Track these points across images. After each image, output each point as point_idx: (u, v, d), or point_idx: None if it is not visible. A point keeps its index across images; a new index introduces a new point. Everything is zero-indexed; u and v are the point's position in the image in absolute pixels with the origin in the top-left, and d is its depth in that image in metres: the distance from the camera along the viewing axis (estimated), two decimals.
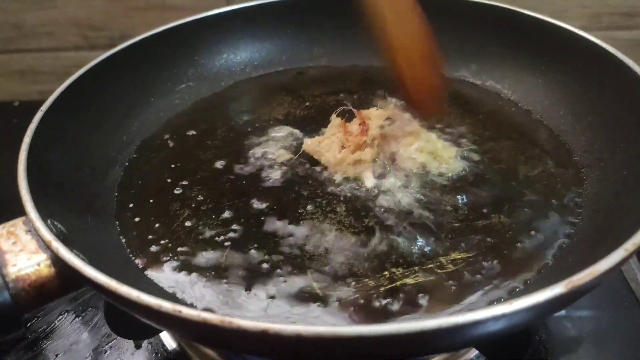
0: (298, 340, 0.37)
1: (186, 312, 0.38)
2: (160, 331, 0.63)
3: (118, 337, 0.65)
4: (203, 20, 0.83)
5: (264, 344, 0.39)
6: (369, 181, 0.62)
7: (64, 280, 0.47)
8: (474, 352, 0.60)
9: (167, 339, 0.64)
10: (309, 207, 0.61)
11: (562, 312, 0.65)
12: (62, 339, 0.66)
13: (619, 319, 0.66)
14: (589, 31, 0.70)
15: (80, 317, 0.68)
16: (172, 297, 0.52)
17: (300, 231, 0.58)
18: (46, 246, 0.46)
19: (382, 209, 0.60)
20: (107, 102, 0.71)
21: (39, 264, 0.47)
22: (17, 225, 0.49)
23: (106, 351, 0.64)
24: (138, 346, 0.64)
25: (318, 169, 0.66)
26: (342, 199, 0.61)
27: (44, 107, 0.61)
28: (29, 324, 0.67)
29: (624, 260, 0.41)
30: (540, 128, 0.71)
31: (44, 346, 0.65)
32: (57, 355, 0.64)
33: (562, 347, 0.63)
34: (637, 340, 0.63)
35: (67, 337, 0.66)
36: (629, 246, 0.42)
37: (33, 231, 0.48)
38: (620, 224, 0.51)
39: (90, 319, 0.68)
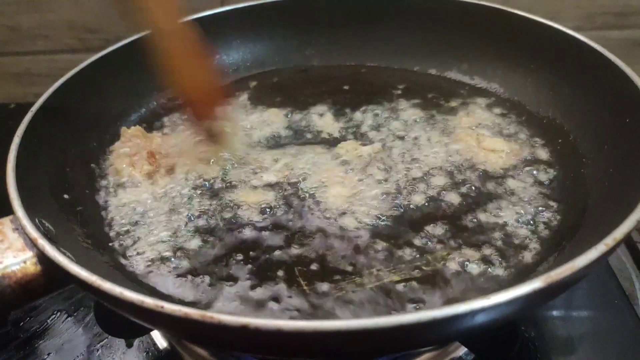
0: (278, 335, 0.37)
1: (168, 307, 0.39)
2: (151, 330, 0.63)
3: (110, 336, 0.65)
4: (197, 21, 0.83)
5: (245, 338, 0.39)
6: None
7: (50, 278, 0.47)
8: (463, 349, 0.60)
9: (158, 338, 0.65)
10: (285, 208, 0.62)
11: (557, 312, 0.65)
12: (54, 338, 0.66)
13: (610, 317, 0.66)
14: (583, 31, 0.70)
15: (72, 317, 0.69)
16: (157, 296, 0.52)
17: (288, 230, 0.59)
18: (32, 244, 0.46)
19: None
20: (98, 103, 0.72)
21: (25, 262, 0.47)
22: (4, 223, 0.49)
23: (98, 350, 0.65)
24: (129, 345, 0.65)
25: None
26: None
27: (34, 108, 0.62)
28: (21, 323, 0.68)
29: (604, 256, 0.42)
30: (529, 126, 0.71)
31: (36, 345, 0.66)
32: (49, 354, 0.64)
33: (552, 344, 0.63)
34: (626, 338, 0.64)
35: (59, 336, 0.66)
36: (609, 241, 0.42)
37: (20, 229, 0.48)
38: (604, 220, 0.51)
39: (82, 318, 0.68)
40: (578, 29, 0.71)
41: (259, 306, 0.51)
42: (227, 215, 0.61)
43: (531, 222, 0.58)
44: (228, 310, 0.50)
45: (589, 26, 1.01)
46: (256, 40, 0.87)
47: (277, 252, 0.56)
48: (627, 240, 0.79)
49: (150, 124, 0.77)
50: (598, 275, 0.69)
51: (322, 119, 0.75)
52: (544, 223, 0.58)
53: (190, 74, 0.64)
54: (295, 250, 0.56)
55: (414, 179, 0.64)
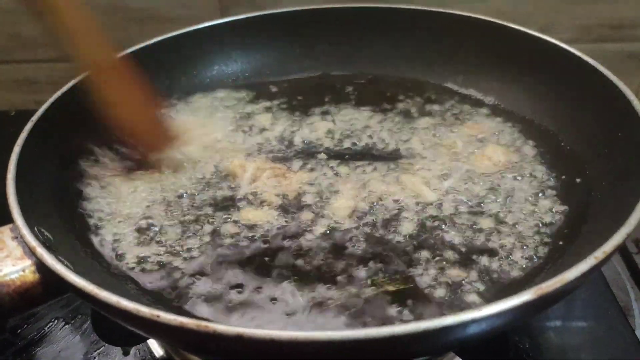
0: (272, 344, 0.38)
1: (164, 316, 0.39)
2: (148, 338, 0.64)
3: (107, 344, 0.66)
4: (197, 32, 0.84)
5: (239, 348, 0.39)
6: None
7: (48, 286, 0.48)
8: (457, 358, 0.61)
9: (155, 346, 0.65)
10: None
11: (551, 322, 0.66)
12: (51, 346, 0.67)
13: (604, 328, 0.67)
14: (579, 43, 0.71)
15: (70, 324, 0.69)
16: (153, 304, 0.53)
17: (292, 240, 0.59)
18: (31, 252, 0.47)
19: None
20: (98, 112, 0.72)
21: (24, 270, 0.48)
22: (4, 232, 0.50)
23: (95, 358, 0.65)
24: (126, 353, 0.65)
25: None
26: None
27: (34, 118, 0.62)
28: (19, 330, 0.68)
29: (595, 268, 0.42)
30: (524, 137, 0.72)
31: (34, 352, 0.66)
32: None
33: (546, 355, 0.63)
34: (620, 348, 0.64)
35: (57, 343, 0.67)
36: (599, 254, 0.42)
37: (19, 238, 0.49)
38: (597, 232, 0.52)
39: (79, 326, 0.69)
40: (574, 41, 0.72)
41: (261, 311, 0.52)
42: (229, 226, 0.61)
43: (529, 231, 0.59)
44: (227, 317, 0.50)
45: (585, 38, 1.02)
46: (255, 51, 0.88)
47: (278, 261, 0.57)
48: (622, 251, 0.80)
49: None
50: (592, 286, 0.70)
51: (319, 130, 0.76)
52: (542, 233, 0.58)
53: (130, 108, 0.64)
54: (297, 260, 0.57)
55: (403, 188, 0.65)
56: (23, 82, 1.13)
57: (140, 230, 0.61)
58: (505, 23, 0.78)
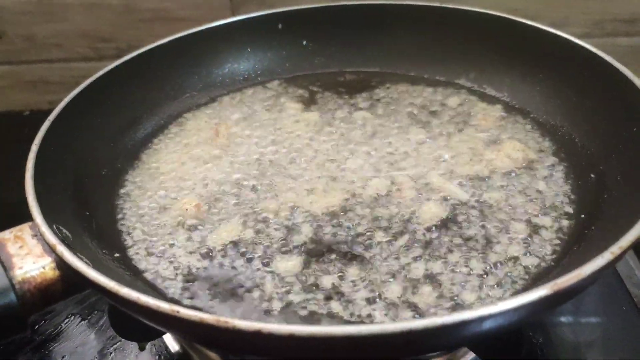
0: (291, 340, 0.38)
1: (184, 312, 0.40)
2: (164, 333, 0.64)
3: (123, 340, 0.66)
4: (208, 31, 0.85)
5: (259, 343, 0.40)
6: None
7: (68, 283, 0.48)
8: (471, 355, 0.61)
9: (171, 342, 0.66)
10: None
11: (565, 318, 0.66)
12: (68, 341, 0.68)
13: (618, 323, 0.66)
14: (592, 38, 0.71)
15: (86, 320, 0.70)
16: (171, 300, 0.53)
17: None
18: (51, 250, 0.48)
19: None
20: (113, 112, 0.73)
21: (44, 267, 0.48)
22: (23, 230, 0.51)
23: (111, 353, 0.66)
24: (142, 348, 0.66)
25: None
26: None
27: (51, 117, 0.63)
28: (36, 327, 0.69)
29: (611, 264, 0.42)
30: (537, 134, 0.72)
31: (51, 348, 0.67)
32: (63, 357, 0.66)
33: (560, 350, 0.63)
34: (635, 344, 0.64)
35: (74, 339, 0.68)
36: (615, 249, 0.42)
37: (39, 236, 0.50)
38: (613, 227, 0.52)
39: (96, 322, 0.70)
40: (587, 36, 0.72)
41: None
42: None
43: (544, 227, 0.59)
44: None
45: (598, 33, 1.01)
46: (266, 49, 0.88)
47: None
48: (636, 246, 0.80)
49: (162, 132, 0.78)
50: (606, 281, 0.70)
51: (335, 127, 0.77)
52: (556, 229, 0.58)
53: None
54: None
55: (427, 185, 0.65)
56: (37, 83, 1.14)
57: (161, 229, 0.62)
58: (517, 18, 0.78)
